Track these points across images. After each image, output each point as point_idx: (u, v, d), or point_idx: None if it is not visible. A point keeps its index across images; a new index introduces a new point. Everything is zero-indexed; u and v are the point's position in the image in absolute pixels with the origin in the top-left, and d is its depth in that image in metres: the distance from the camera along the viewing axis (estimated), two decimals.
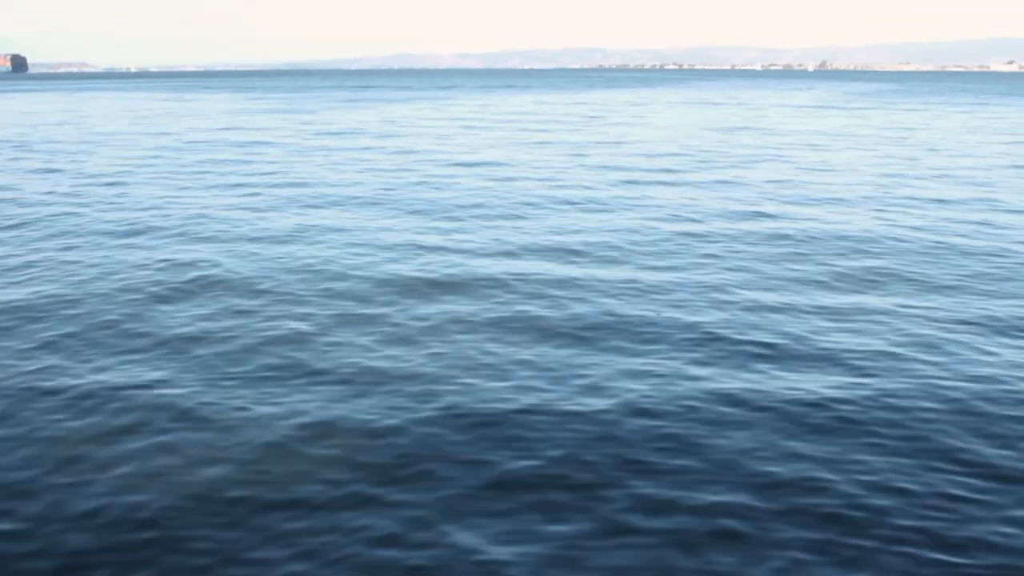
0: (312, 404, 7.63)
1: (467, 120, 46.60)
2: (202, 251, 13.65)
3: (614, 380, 8.16)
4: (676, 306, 10.58)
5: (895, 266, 12.69)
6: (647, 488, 6.14)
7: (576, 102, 72.12)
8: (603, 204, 18.21)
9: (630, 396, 7.79)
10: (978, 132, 37.95)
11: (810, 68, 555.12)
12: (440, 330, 9.66)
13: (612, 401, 7.68)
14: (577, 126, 41.62)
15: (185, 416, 7.41)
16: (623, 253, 13.53)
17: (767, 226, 15.74)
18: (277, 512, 5.84)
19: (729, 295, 11.07)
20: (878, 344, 9.19)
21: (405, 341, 9.27)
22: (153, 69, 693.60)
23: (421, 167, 24.89)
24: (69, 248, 14.02)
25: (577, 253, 13.53)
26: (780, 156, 27.71)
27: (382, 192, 20.06)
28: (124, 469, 6.43)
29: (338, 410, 7.49)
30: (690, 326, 9.79)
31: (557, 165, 25.34)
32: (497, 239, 14.57)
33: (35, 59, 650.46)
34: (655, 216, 16.79)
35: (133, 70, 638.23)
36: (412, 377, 8.24)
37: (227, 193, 20.14)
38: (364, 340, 9.27)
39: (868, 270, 12.41)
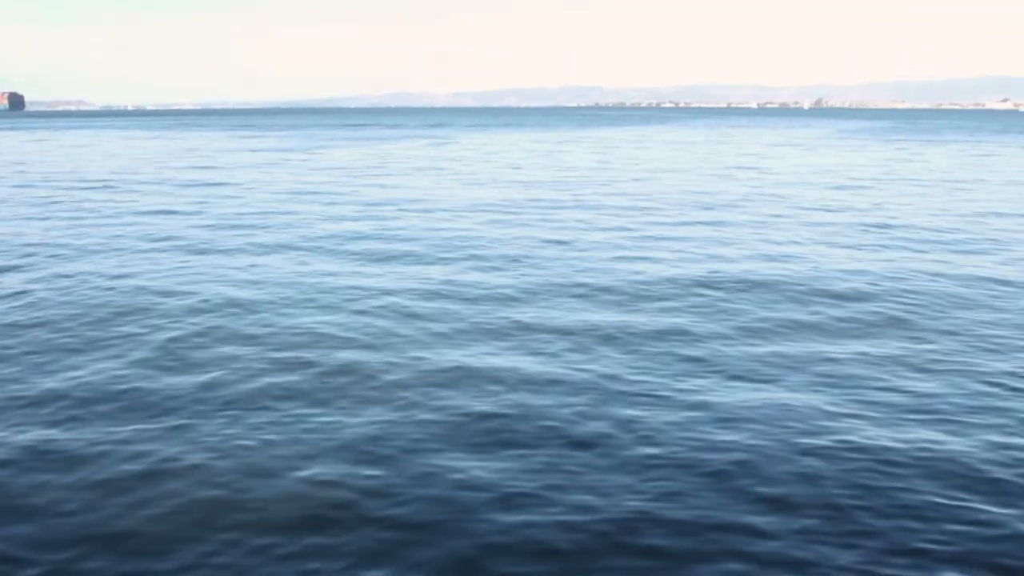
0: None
1: (462, 159, 45.72)
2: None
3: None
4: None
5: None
6: None
7: (577, 140, 71.38)
8: (586, 245, 17.04)
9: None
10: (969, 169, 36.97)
11: (805, 106, 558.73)
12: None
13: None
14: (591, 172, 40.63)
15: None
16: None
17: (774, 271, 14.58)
18: None
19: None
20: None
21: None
22: (150, 107, 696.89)
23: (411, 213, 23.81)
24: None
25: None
26: (774, 196, 26.62)
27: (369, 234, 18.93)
28: None
29: None
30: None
31: (564, 216, 24.22)
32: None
33: (33, 97, 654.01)
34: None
35: (130, 108, 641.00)
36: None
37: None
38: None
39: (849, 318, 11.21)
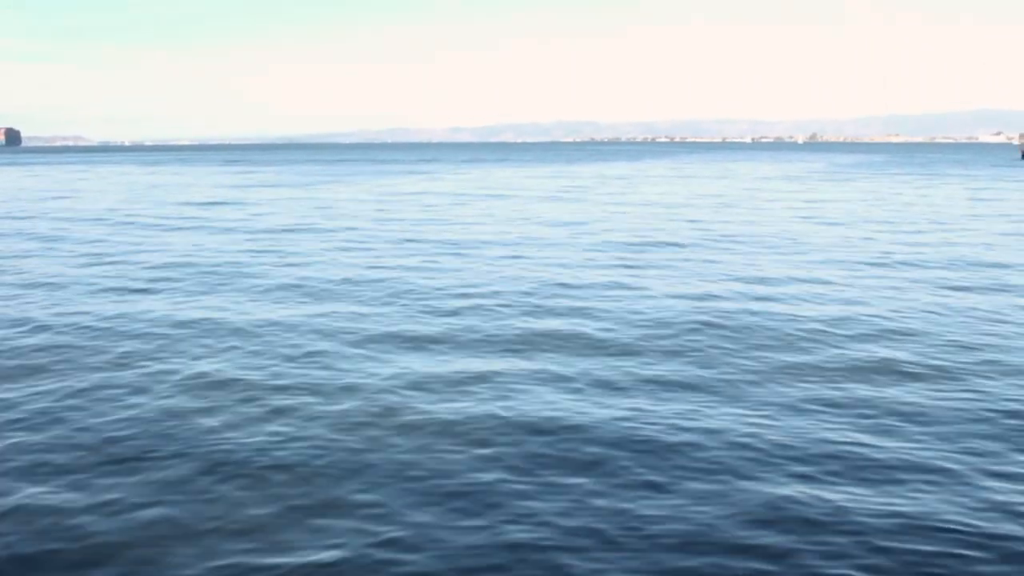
0: None
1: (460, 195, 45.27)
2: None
3: None
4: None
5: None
6: None
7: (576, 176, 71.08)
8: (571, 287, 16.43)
9: None
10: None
11: (800, 140, 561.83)
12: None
13: None
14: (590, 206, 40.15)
15: None
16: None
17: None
18: None
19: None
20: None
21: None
22: (148, 143, 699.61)
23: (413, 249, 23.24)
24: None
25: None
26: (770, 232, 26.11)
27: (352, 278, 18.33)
28: None
29: None
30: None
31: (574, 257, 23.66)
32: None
33: (31, 132, 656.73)
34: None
35: (127, 144, 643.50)
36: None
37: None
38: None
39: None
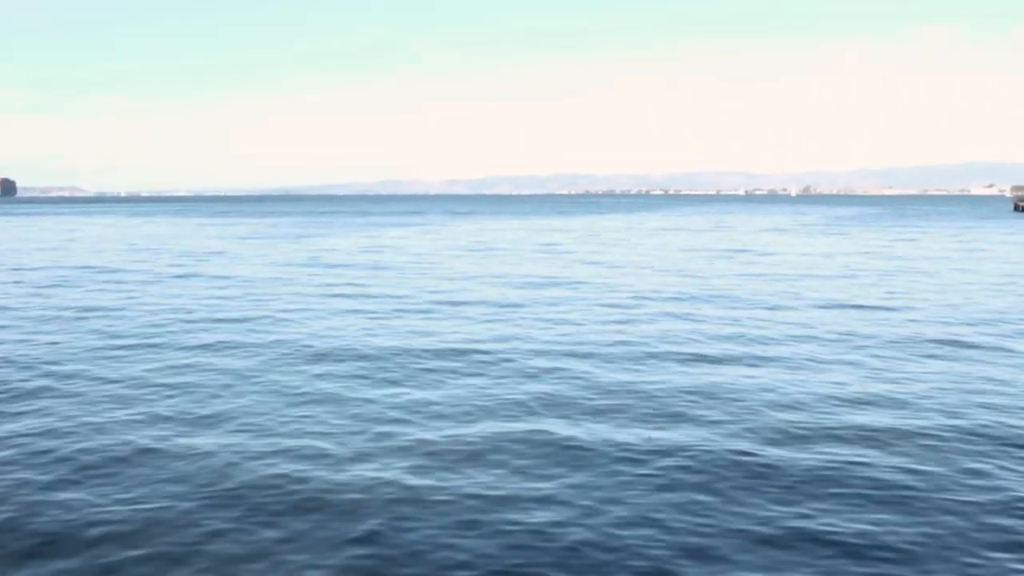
0: None
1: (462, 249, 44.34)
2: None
3: None
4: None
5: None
6: None
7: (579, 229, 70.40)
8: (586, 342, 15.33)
9: None
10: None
11: (793, 193, 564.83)
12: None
13: None
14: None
15: None
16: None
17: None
18: None
19: None
20: None
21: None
22: (144, 194, 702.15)
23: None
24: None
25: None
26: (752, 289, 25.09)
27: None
28: None
29: None
30: None
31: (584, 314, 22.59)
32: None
33: (27, 183, 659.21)
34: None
35: (123, 194, 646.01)
36: None
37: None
38: None
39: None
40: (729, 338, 16.82)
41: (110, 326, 18.63)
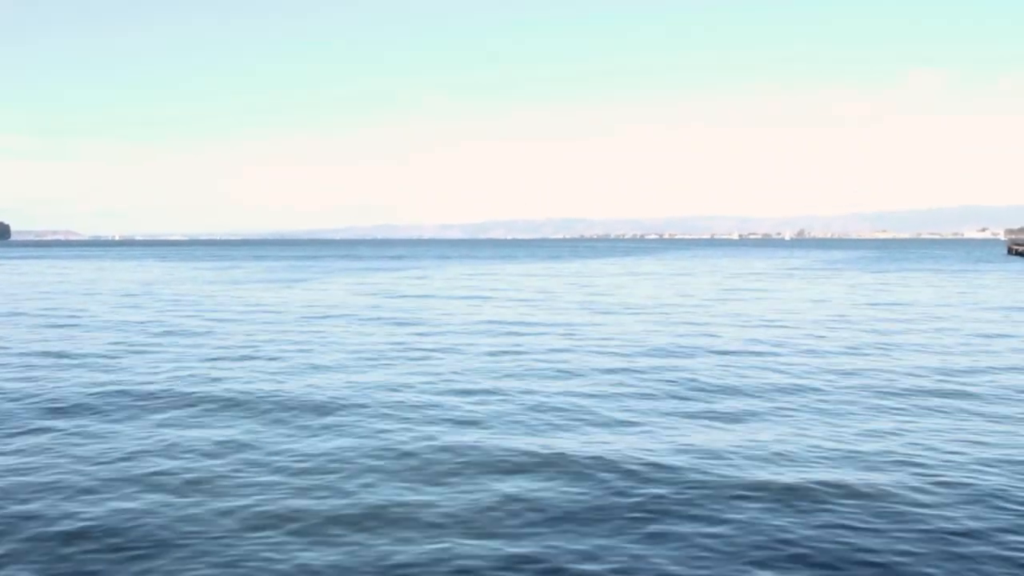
0: None
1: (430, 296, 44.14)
2: None
3: None
4: None
5: None
6: None
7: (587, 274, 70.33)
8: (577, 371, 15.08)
9: None
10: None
11: (787, 237, 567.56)
12: None
13: None
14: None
15: None
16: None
17: None
18: None
19: None
20: None
21: None
22: (139, 237, 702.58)
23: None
24: None
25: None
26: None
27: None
28: None
29: None
30: None
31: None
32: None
33: (22, 227, 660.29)
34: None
35: (117, 238, 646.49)
36: None
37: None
38: None
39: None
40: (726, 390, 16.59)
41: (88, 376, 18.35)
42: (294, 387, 16.16)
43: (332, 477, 10.28)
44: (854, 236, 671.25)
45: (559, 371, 18.03)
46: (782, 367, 18.55)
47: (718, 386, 16.22)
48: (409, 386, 16.16)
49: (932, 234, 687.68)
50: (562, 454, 11.26)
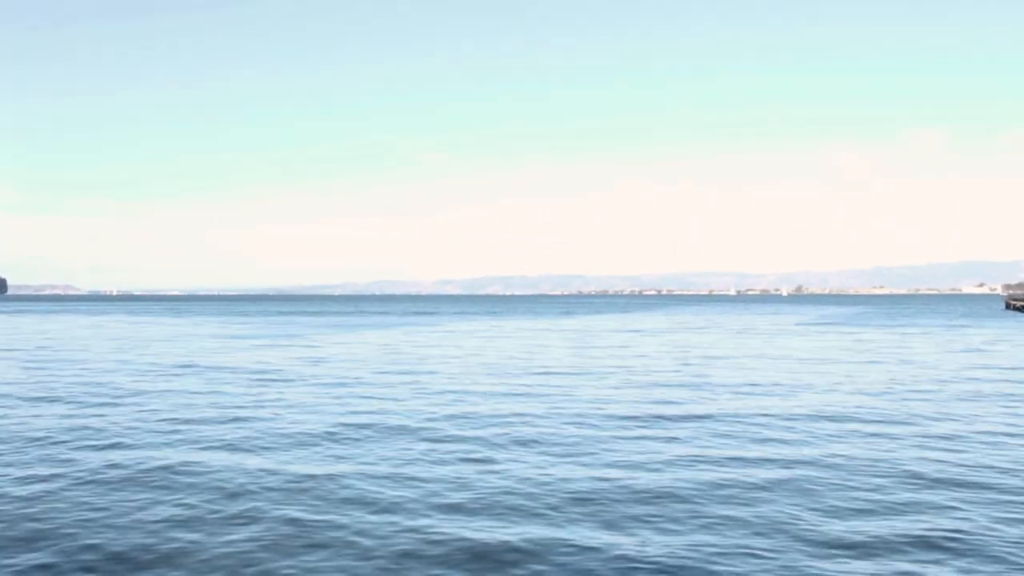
0: None
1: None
2: None
3: None
4: None
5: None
6: None
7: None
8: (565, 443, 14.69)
9: None
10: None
11: (784, 293, 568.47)
12: None
13: None
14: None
15: None
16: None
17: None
18: None
19: None
20: None
21: None
22: (137, 292, 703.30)
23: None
24: None
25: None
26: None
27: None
28: None
29: None
30: None
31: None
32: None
33: (20, 281, 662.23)
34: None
35: (115, 293, 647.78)
36: None
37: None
38: None
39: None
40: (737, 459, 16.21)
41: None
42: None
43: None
44: (852, 292, 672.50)
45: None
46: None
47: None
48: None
49: (930, 289, 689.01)
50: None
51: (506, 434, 16.94)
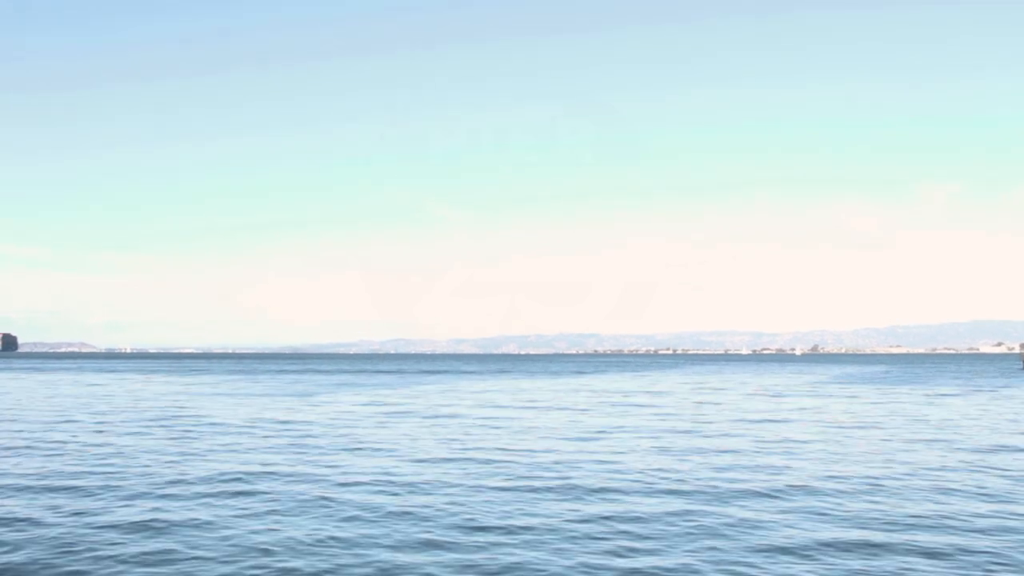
0: None
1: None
2: None
3: None
4: None
5: None
6: None
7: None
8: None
9: None
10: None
11: (798, 352, 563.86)
12: None
13: None
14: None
15: None
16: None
17: None
18: None
19: None
20: None
21: None
22: (152, 350, 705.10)
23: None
24: None
25: None
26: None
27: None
28: None
29: None
30: None
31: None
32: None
33: (35, 338, 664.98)
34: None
35: (129, 350, 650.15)
36: None
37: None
38: None
39: None
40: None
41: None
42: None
43: None
44: (867, 351, 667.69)
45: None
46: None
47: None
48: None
49: (947, 349, 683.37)
50: None
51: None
